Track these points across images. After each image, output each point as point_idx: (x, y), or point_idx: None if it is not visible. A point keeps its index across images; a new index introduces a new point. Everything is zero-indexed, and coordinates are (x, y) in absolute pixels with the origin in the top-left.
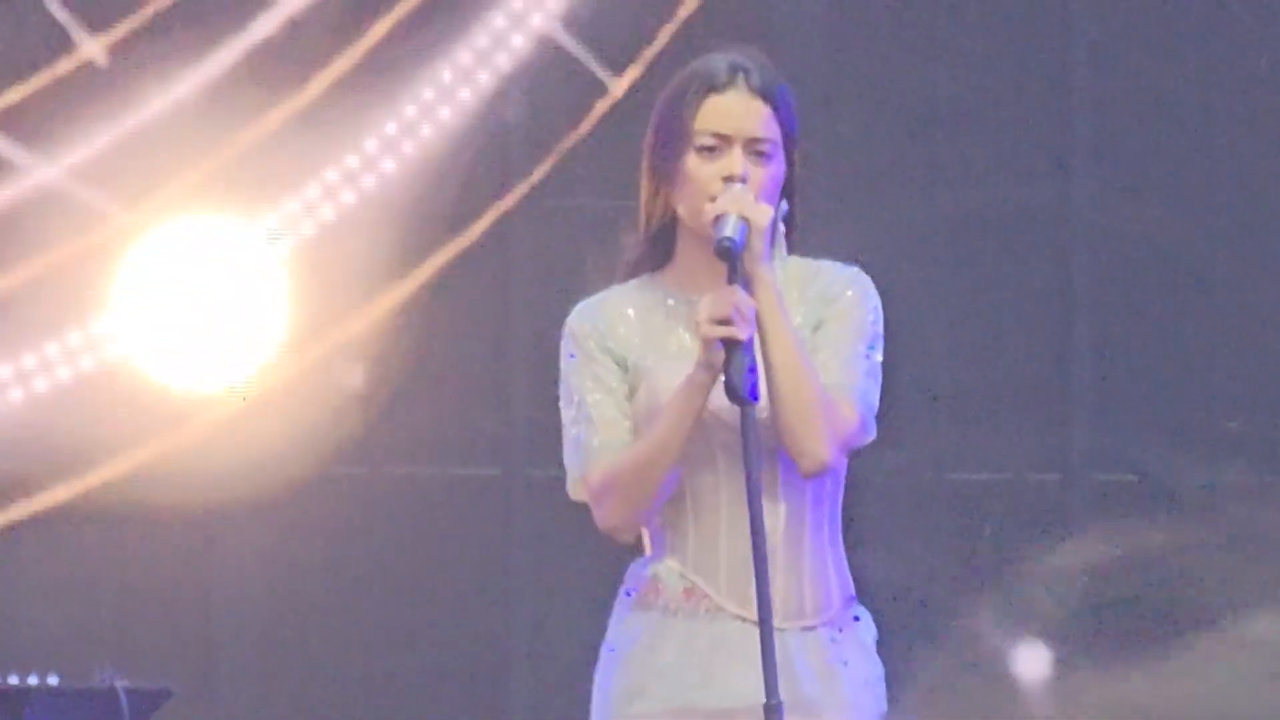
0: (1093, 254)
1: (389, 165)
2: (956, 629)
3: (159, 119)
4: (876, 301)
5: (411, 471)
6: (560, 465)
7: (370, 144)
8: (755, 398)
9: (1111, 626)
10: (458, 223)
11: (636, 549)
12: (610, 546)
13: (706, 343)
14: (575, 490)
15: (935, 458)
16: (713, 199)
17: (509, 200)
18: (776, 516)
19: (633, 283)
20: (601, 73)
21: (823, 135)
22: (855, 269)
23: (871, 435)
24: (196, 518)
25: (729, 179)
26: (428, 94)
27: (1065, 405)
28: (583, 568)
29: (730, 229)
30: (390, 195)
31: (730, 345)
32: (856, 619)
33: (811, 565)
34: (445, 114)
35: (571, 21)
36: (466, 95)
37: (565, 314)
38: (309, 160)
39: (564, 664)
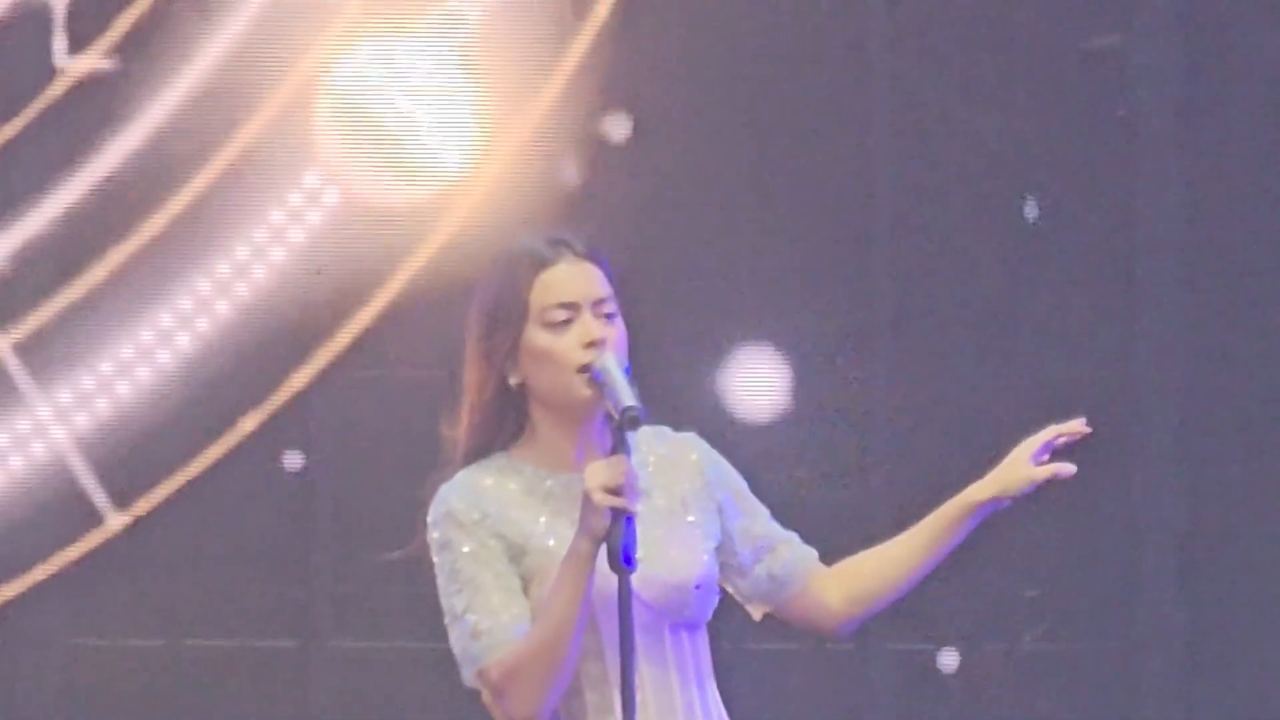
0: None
1: (203, 324)
2: None
3: None
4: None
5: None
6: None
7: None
8: (634, 566)
9: None
10: (259, 392)
11: None
12: None
13: (594, 510)
14: (473, 681)
15: None
16: (582, 369)
17: (310, 368)
18: (687, 686)
19: (490, 463)
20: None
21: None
22: (690, 434)
23: None
24: None
25: (592, 344)
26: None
27: None
28: None
29: (633, 398)
30: (197, 360)
31: (616, 515)
32: None
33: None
34: (259, 273)
35: None
36: (280, 254)
37: (368, 483)
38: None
39: None
